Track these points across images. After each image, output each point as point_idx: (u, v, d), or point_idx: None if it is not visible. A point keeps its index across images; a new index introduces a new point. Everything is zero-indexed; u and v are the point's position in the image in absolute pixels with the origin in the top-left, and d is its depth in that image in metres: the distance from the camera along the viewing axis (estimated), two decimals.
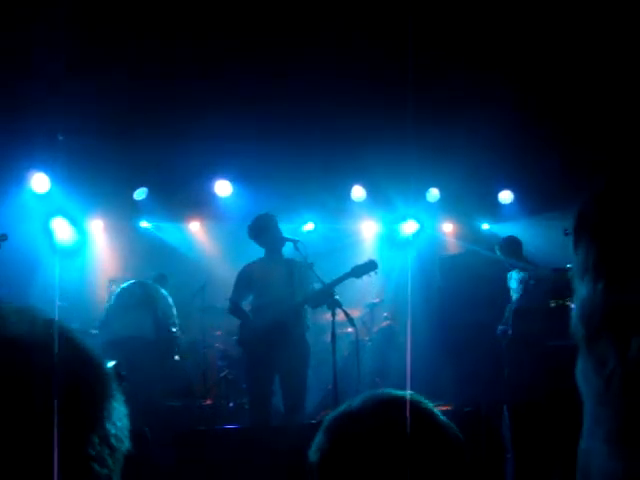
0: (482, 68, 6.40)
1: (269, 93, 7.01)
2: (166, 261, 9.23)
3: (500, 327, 7.29)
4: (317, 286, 5.81)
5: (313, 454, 1.44)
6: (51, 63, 5.43)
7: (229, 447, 4.86)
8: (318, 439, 1.45)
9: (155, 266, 8.99)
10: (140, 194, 8.85)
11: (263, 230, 6.03)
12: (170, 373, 7.35)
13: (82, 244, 9.14)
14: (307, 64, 6.61)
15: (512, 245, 7.54)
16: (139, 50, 6.24)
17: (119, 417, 0.89)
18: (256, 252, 6.27)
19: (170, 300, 7.64)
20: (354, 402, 1.48)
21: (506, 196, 9.58)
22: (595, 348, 0.79)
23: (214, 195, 9.02)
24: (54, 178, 8.02)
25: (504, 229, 9.31)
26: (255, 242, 6.11)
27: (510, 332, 7.13)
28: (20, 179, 8.04)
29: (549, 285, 6.98)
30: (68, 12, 4.95)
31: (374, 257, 9.50)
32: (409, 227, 9.49)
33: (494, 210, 9.81)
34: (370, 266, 5.66)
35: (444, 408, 6.71)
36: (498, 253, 7.56)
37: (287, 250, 6.06)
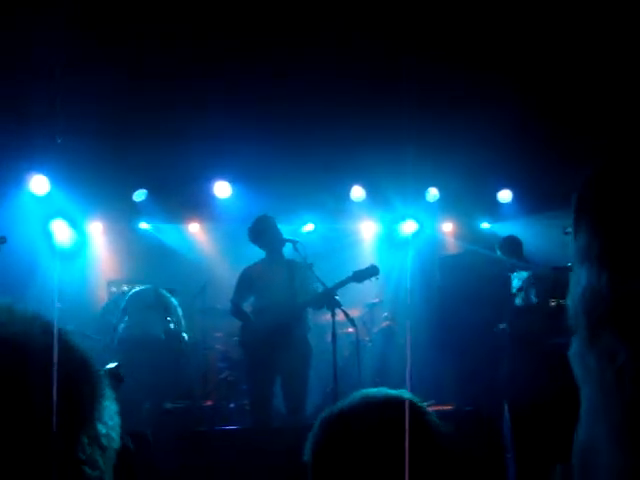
0: (481, 68, 6.39)
1: (268, 94, 7.00)
2: (166, 263, 9.22)
3: (500, 326, 7.28)
4: (317, 286, 5.81)
5: (307, 453, 1.44)
6: (50, 64, 5.43)
7: (230, 448, 4.86)
8: (311, 438, 1.45)
9: (154, 268, 8.98)
10: (139, 196, 8.85)
11: (262, 232, 6.03)
12: (177, 375, 7.38)
13: (81, 246, 9.13)
14: (306, 65, 6.60)
15: (512, 245, 7.54)
16: (138, 51, 6.24)
17: (110, 416, 0.89)
18: (256, 253, 6.27)
19: (180, 311, 7.73)
20: (345, 402, 1.48)
21: (505, 195, 9.58)
22: (599, 339, 0.77)
23: (213, 196, 9.01)
24: (53, 180, 8.03)
25: (504, 228, 9.31)
26: (255, 244, 6.12)
27: (510, 331, 7.12)
28: (19, 181, 8.04)
29: (549, 284, 6.97)
30: (67, 14, 4.95)
31: (374, 257, 9.55)
32: (408, 227, 9.49)
33: (493, 209, 9.81)
34: (371, 271, 5.66)
35: (444, 408, 6.71)
36: (498, 253, 7.56)
37: (287, 251, 6.06)
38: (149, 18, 5.83)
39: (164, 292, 7.75)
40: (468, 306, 7.58)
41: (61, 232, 8.47)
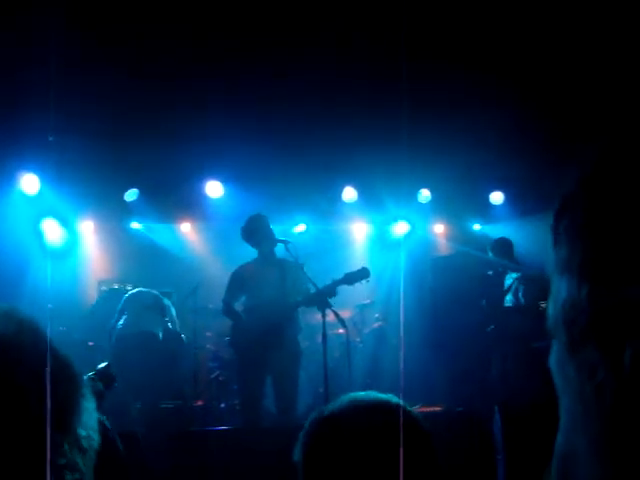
0: (475, 71, 6.41)
1: (261, 95, 7.00)
2: (157, 262, 9.21)
3: (490, 327, 7.30)
4: (309, 287, 5.81)
5: (297, 454, 1.45)
6: (41, 63, 5.41)
7: (221, 448, 4.85)
8: (301, 440, 1.46)
9: (146, 268, 8.97)
10: (131, 195, 8.83)
11: (255, 231, 6.03)
12: (171, 375, 7.40)
13: (72, 245, 9.11)
14: (299, 66, 6.60)
15: (504, 246, 7.55)
16: (131, 51, 6.23)
17: (89, 415, 0.89)
18: (248, 253, 6.26)
19: (174, 311, 7.81)
20: (334, 405, 1.49)
21: (497, 197, 9.61)
22: (579, 351, 0.76)
23: (205, 196, 9.01)
24: (44, 179, 8.00)
25: (495, 230, 9.33)
26: (248, 243, 6.11)
27: (500, 332, 7.14)
28: (10, 180, 8.01)
29: (540, 285, 6.99)
30: (60, 14, 4.93)
31: (365, 258, 9.56)
32: (400, 228, 9.51)
33: (485, 211, 9.84)
34: (362, 273, 5.66)
35: (435, 409, 6.73)
36: (490, 254, 7.57)
37: (278, 251, 6.06)
38: (143, 20, 5.81)
39: (159, 293, 7.78)
40: (459, 307, 7.60)
41: (52, 231, 8.44)
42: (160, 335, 7.41)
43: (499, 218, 9.70)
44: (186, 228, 9.94)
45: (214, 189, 8.95)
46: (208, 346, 8.15)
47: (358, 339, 8.47)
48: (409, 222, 9.41)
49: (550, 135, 7.57)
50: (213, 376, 7.57)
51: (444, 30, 6.13)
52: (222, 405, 7.44)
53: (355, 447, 1.40)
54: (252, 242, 6.07)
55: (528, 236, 8.53)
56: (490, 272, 7.42)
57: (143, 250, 9.45)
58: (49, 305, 6.53)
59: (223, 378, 7.48)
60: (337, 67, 6.67)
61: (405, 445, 1.37)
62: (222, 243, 9.21)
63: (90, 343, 7.69)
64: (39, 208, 8.26)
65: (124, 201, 8.86)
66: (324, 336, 5.53)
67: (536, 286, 7.04)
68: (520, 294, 7.10)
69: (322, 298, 5.56)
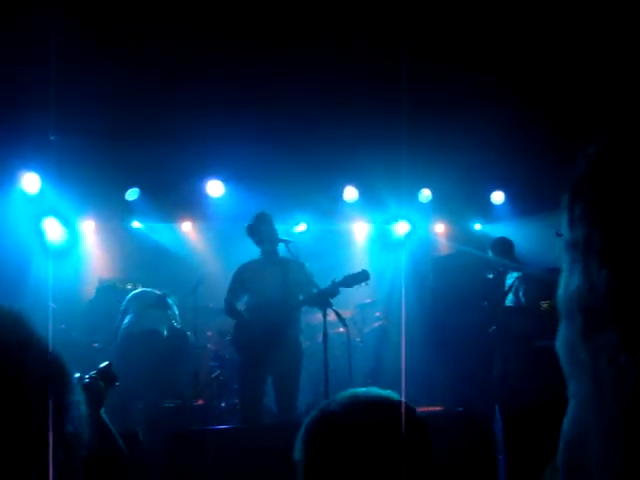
0: (475, 70, 6.41)
1: (262, 94, 7.00)
2: (158, 262, 9.21)
3: (492, 327, 7.29)
4: (311, 286, 5.81)
5: (297, 453, 1.45)
6: (42, 63, 5.41)
7: (221, 447, 4.84)
8: (301, 438, 1.46)
9: (147, 267, 8.97)
10: (132, 194, 8.83)
11: (258, 229, 6.04)
12: (174, 373, 7.42)
13: (73, 245, 9.11)
14: (300, 65, 6.60)
15: (504, 246, 7.54)
16: (132, 51, 6.23)
17: (76, 409, 0.89)
18: (248, 252, 6.26)
19: (177, 310, 7.86)
20: (334, 401, 1.48)
21: (498, 197, 9.61)
22: (596, 336, 0.74)
23: (206, 195, 9.01)
24: (45, 178, 8.00)
25: (496, 230, 9.33)
26: (251, 238, 6.12)
27: (502, 332, 7.14)
28: (11, 179, 8.01)
29: (541, 285, 6.99)
30: (60, 14, 4.93)
31: (366, 258, 9.56)
32: (401, 228, 9.51)
33: (486, 211, 9.83)
34: (362, 276, 5.66)
35: (436, 408, 6.72)
36: (490, 254, 7.56)
37: (280, 251, 6.07)
38: (145, 17, 5.81)
39: (162, 293, 7.81)
40: (460, 307, 7.60)
41: (53, 230, 8.44)
42: (165, 333, 7.42)
43: (500, 218, 9.70)
44: (187, 227, 9.94)
45: (215, 188, 8.94)
46: (209, 345, 8.15)
47: (359, 338, 8.46)
48: (410, 222, 9.42)
49: (551, 135, 7.56)
50: (214, 375, 7.56)
51: (444, 30, 6.13)
52: (222, 404, 7.44)
53: (356, 443, 1.40)
54: (255, 240, 6.09)
55: (529, 236, 8.54)
56: (490, 275, 7.41)
57: (144, 249, 9.45)
58: (52, 304, 6.54)
59: (223, 377, 7.48)
60: (338, 67, 6.66)
61: (405, 442, 1.37)
62: (223, 242, 9.21)
63: (95, 344, 7.71)
64: (40, 207, 8.26)
65: (125, 200, 8.86)
66: (325, 335, 5.53)
67: (537, 285, 7.03)
68: (521, 293, 7.10)
69: (323, 297, 5.57)
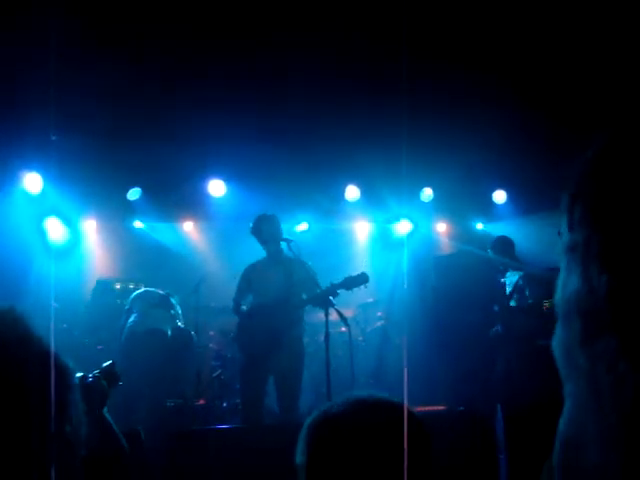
0: (477, 68, 6.40)
1: (264, 94, 7.00)
2: (160, 261, 9.21)
3: (495, 328, 7.29)
4: (314, 286, 5.82)
5: (298, 457, 1.44)
6: (44, 62, 5.41)
7: (222, 447, 4.84)
8: (301, 441, 1.46)
9: (148, 266, 8.97)
10: (134, 194, 8.84)
11: (260, 230, 6.07)
12: (177, 373, 7.42)
13: (75, 244, 9.11)
14: (301, 64, 6.60)
15: (504, 245, 7.53)
16: (132, 50, 6.23)
17: (75, 408, 0.89)
18: (250, 251, 6.28)
19: (180, 309, 7.86)
20: (336, 405, 1.48)
21: (500, 196, 9.60)
22: (593, 342, 0.73)
23: (208, 195, 9.01)
24: (47, 178, 8.00)
25: (498, 229, 9.32)
26: (255, 238, 6.14)
27: (504, 331, 7.13)
28: (13, 179, 8.02)
29: (543, 285, 6.98)
30: (61, 14, 4.93)
31: (368, 257, 9.55)
32: (403, 227, 9.50)
33: (488, 210, 9.82)
34: (361, 279, 5.66)
35: (437, 408, 6.72)
36: (490, 253, 7.55)
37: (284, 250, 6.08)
38: (145, 17, 5.82)
39: (165, 292, 7.81)
40: (462, 306, 7.58)
41: (55, 230, 8.45)
42: (169, 333, 7.43)
43: (502, 217, 9.69)
44: (189, 227, 9.95)
45: (216, 188, 8.95)
46: (211, 345, 8.15)
47: (360, 338, 8.46)
48: (412, 221, 9.41)
49: (553, 134, 7.55)
50: (215, 375, 7.56)
51: (444, 30, 6.12)
52: (224, 404, 7.44)
53: (358, 446, 1.40)
54: (259, 240, 6.11)
55: (531, 235, 8.52)
56: (503, 279, 7.39)
57: (146, 249, 9.45)
58: (53, 304, 6.55)
59: (225, 377, 7.48)
60: (339, 66, 6.66)
61: (407, 443, 1.37)
62: (224, 242, 9.22)
63: (99, 347, 7.72)
64: (42, 207, 8.27)
65: (127, 200, 8.87)
66: (327, 335, 5.53)
67: (540, 285, 7.03)
68: (527, 293, 7.09)
69: (325, 297, 5.57)
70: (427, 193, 9.36)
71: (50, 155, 7.07)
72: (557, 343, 0.77)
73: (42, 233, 8.31)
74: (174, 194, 8.92)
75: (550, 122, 7.42)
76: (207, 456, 4.77)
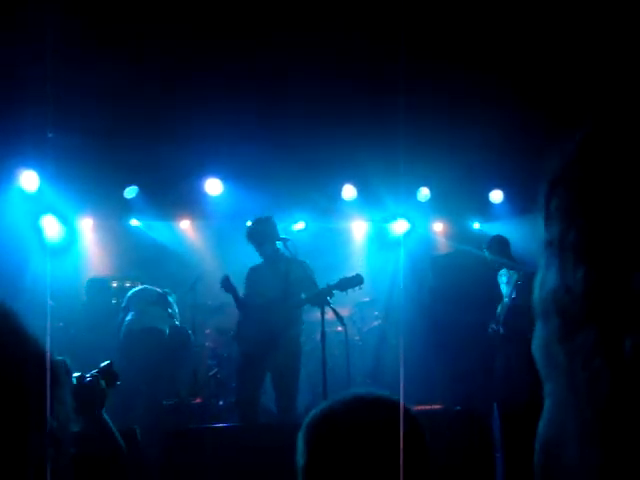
0: (474, 69, 6.40)
1: (261, 93, 7.00)
2: (156, 259, 9.21)
3: (491, 326, 7.29)
4: (311, 285, 5.83)
5: (299, 458, 1.44)
6: (41, 60, 5.40)
7: (218, 445, 4.85)
8: (301, 442, 1.45)
9: (145, 265, 8.97)
10: (130, 192, 8.83)
11: (253, 233, 6.08)
12: (174, 372, 7.42)
13: (71, 242, 9.11)
14: (298, 64, 6.60)
15: (500, 244, 7.52)
16: (131, 49, 6.22)
17: (62, 404, 0.88)
18: (246, 250, 6.28)
19: (177, 308, 7.87)
20: (334, 403, 1.48)
21: (497, 195, 9.61)
22: (571, 339, 0.72)
23: (205, 194, 9.01)
24: (44, 176, 7.99)
25: (495, 228, 9.32)
26: (253, 246, 6.14)
27: (502, 331, 7.13)
28: (9, 177, 8.00)
29: None
30: (59, 12, 4.92)
31: (364, 256, 9.55)
32: (400, 226, 9.50)
33: (485, 209, 9.83)
34: (356, 280, 5.66)
35: (435, 407, 6.72)
36: (486, 252, 7.54)
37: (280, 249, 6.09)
38: (145, 17, 5.81)
39: (162, 290, 7.81)
40: (459, 305, 7.60)
41: (51, 228, 8.44)
42: (166, 331, 7.42)
43: (499, 216, 9.70)
44: (185, 225, 9.95)
45: (213, 187, 8.94)
46: (207, 343, 8.15)
47: (357, 337, 8.46)
48: (409, 220, 9.41)
49: (551, 133, 7.55)
50: (211, 373, 7.57)
51: (444, 30, 6.13)
52: (220, 403, 7.44)
53: (357, 444, 1.40)
54: (255, 244, 6.11)
55: (528, 234, 8.52)
56: (504, 279, 7.39)
57: (142, 247, 9.45)
58: (50, 302, 6.54)
59: (221, 375, 7.48)
60: (337, 65, 6.66)
61: (405, 441, 1.37)
62: (221, 240, 9.22)
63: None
64: (38, 205, 8.26)
65: (123, 198, 8.86)
66: (323, 334, 5.54)
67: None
68: (520, 293, 7.09)
69: (321, 296, 5.58)
70: (424, 192, 9.36)
71: (47, 153, 7.06)
72: (537, 343, 0.76)
73: (38, 231, 8.29)
74: (171, 192, 8.91)
75: (547, 122, 7.42)
76: (203, 454, 4.77)
